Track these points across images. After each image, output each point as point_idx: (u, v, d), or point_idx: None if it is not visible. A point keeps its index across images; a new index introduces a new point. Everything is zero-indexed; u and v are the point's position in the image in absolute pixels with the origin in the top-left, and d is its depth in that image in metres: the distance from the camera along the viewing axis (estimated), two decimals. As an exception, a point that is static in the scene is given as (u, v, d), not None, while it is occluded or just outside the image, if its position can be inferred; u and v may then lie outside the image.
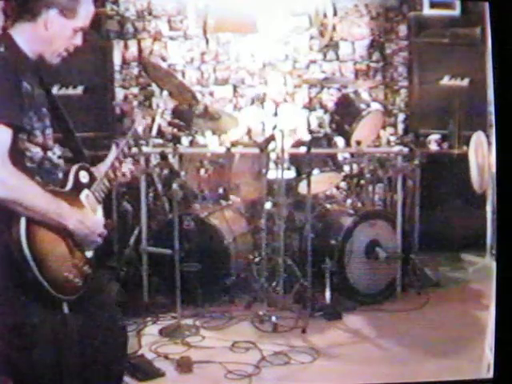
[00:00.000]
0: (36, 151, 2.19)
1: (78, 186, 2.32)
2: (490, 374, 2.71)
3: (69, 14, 2.24)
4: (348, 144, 4.62)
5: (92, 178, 2.39)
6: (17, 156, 2.11)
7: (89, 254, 2.30)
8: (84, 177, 2.35)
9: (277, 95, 5.12)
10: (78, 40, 2.32)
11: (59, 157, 2.30)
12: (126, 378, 3.24)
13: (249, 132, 4.98)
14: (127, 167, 2.59)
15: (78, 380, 2.29)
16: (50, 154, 2.25)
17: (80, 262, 2.25)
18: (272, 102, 5.08)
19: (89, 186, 2.36)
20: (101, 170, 2.47)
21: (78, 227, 2.21)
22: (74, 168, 2.33)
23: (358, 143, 4.47)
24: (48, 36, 2.23)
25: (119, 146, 2.57)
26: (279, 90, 5.25)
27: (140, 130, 2.80)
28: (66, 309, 2.21)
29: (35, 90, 2.21)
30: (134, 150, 2.70)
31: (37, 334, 2.17)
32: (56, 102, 2.36)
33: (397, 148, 4.70)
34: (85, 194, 2.34)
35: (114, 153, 2.55)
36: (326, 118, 5.04)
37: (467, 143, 4.87)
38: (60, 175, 2.29)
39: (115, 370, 2.50)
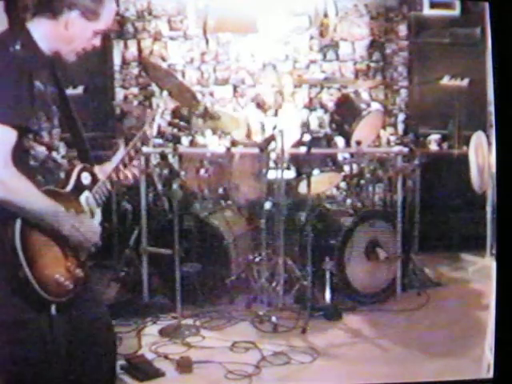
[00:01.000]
0: (41, 150, 2.19)
1: (79, 188, 2.31)
2: (490, 374, 2.71)
3: (91, 17, 2.22)
4: (348, 144, 4.61)
5: (94, 180, 2.37)
6: (21, 154, 2.10)
7: (82, 257, 2.29)
8: (86, 178, 2.33)
9: (273, 95, 5.12)
10: (97, 41, 2.30)
11: (63, 157, 2.30)
12: (126, 378, 3.25)
13: (249, 132, 4.99)
14: (132, 171, 2.56)
15: (65, 381, 2.28)
16: (54, 153, 2.25)
17: (72, 265, 2.23)
18: (270, 102, 5.08)
19: (90, 187, 2.35)
20: (104, 171, 2.44)
21: (73, 234, 2.20)
22: (77, 169, 2.32)
23: (358, 143, 4.46)
24: (67, 36, 2.21)
25: (126, 149, 2.55)
26: (276, 90, 5.26)
27: (149, 133, 2.77)
28: (53, 310, 2.19)
29: (48, 88, 2.20)
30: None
31: (23, 332, 2.16)
32: (67, 100, 2.35)
33: (397, 148, 4.69)
34: (85, 196, 2.32)
35: (120, 155, 2.52)
36: (326, 117, 5.04)
37: (467, 143, 4.87)
38: (62, 175, 2.28)
39: (104, 376, 2.48)
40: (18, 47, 2.11)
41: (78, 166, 2.33)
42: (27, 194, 2.08)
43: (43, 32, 2.20)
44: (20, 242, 2.07)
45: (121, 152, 2.54)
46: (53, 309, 2.19)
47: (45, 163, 2.21)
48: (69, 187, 2.28)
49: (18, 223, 2.07)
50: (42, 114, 2.17)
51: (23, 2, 2.24)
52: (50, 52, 2.23)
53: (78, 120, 2.39)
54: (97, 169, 2.43)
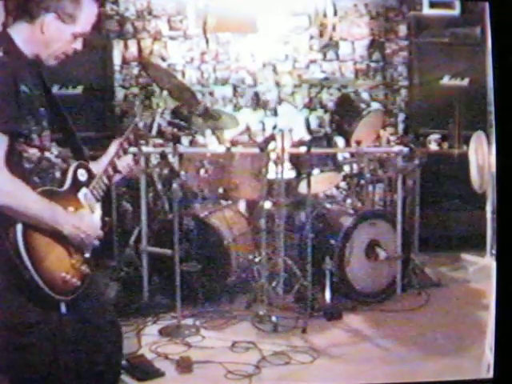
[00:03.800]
0: (33, 152, 2.19)
1: (76, 185, 2.31)
2: (490, 374, 2.71)
3: (67, 19, 2.22)
4: (348, 144, 4.61)
5: (90, 176, 2.38)
6: (14, 157, 2.11)
7: (87, 253, 2.30)
8: (82, 175, 2.34)
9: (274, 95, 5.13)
10: (78, 45, 2.30)
11: (57, 156, 2.29)
12: (126, 378, 3.25)
13: (249, 132, 4.99)
14: (126, 163, 2.57)
15: (74, 380, 2.29)
16: (47, 153, 2.24)
17: (77, 262, 2.24)
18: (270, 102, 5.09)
19: (87, 184, 2.35)
20: (99, 166, 2.45)
21: (73, 232, 2.20)
22: (72, 166, 2.32)
23: (358, 143, 4.46)
24: (44, 39, 2.21)
25: (119, 141, 2.56)
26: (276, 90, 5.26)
27: (141, 124, 2.78)
28: (63, 309, 2.21)
29: (34, 92, 2.20)
30: (134, 148, 2.68)
31: (34, 333, 2.17)
32: (55, 101, 2.35)
33: (397, 148, 4.70)
34: (83, 193, 2.33)
35: (113, 149, 2.54)
36: (326, 117, 5.04)
37: (467, 143, 4.88)
38: (58, 174, 2.28)
39: (111, 370, 2.50)
40: (0, 54, 2.12)
41: (74, 164, 2.33)
42: (24, 198, 2.08)
43: (23, 36, 2.20)
44: (23, 244, 2.07)
45: (114, 145, 2.55)
46: (62, 307, 2.20)
47: (39, 164, 2.21)
48: (66, 185, 2.28)
49: (19, 226, 2.07)
50: (30, 117, 2.17)
51: (4, 7, 2.25)
52: (32, 55, 2.24)
53: (68, 118, 2.40)
54: (92, 164, 2.43)
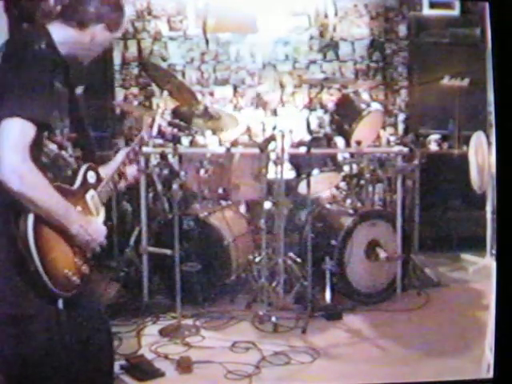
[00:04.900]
0: (52, 148, 2.22)
1: (85, 186, 2.35)
2: (490, 374, 2.71)
3: (113, 28, 2.35)
4: (348, 144, 4.61)
5: (99, 179, 2.42)
6: (35, 150, 2.13)
7: (88, 254, 2.33)
8: (92, 177, 2.38)
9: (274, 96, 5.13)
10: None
11: (71, 155, 2.33)
12: (126, 378, 3.25)
13: (249, 132, 4.99)
14: (131, 172, 2.62)
15: (67, 375, 2.30)
16: (63, 152, 2.28)
17: (80, 261, 2.27)
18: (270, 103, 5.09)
19: (95, 186, 2.39)
20: (107, 172, 2.50)
21: (80, 233, 2.23)
22: (84, 167, 2.36)
23: (358, 143, 4.46)
24: (90, 45, 2.33)
25: (125, 151, 2.62)
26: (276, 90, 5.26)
27: (146, 137, 2.85)
28: (60, 304, 2.22)
29: (63, 88, 2.25)
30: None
31: (30, 325, 2.19)
32: (78, 102, 2.40)
33: (397, 148, 4.70)
34: (90, 195, 2.36)
35: (120, 157, 2.59)
36: (326, 117, 5.04)
37: (467, 143, 4.88)
38: (69, 173, 2.31)
39: (100, 372, 2.50)
40: (43, 46, 2.18)
41: (85, 165, 2.37)
42: (42, 190, 2.10)
43: (65, 37, 2.27)
44: (33, 234, 2.08)
45: (121, 154, 2.61)
46: (60, 303, 2.22)
47: (55, 161, 2.24)
48: (75, 185, 2.31)
49: (31, 217, 2.09)
50: (57, 112, 2.21)
51: (46, 8, 2.28)
52: (66, 55, 2.30)
53: (86, 122, 2.44)
54: (100, 168, 2.47)
